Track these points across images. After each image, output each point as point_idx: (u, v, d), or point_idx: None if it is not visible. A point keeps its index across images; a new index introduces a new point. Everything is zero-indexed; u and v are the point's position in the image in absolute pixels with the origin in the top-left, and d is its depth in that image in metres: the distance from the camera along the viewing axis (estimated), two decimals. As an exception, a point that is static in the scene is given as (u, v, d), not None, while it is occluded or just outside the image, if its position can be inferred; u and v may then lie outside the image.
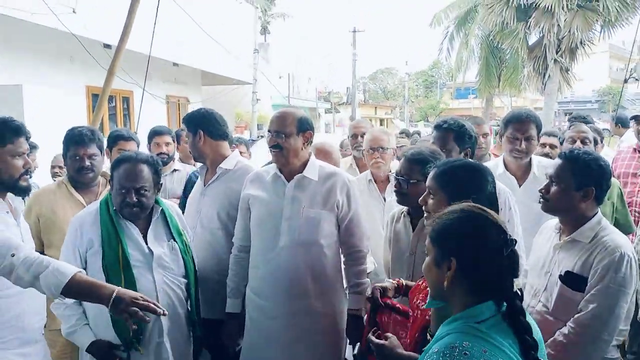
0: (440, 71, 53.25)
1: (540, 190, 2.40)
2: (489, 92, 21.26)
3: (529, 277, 2.50)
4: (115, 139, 3.76)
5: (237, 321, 2.80)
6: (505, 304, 1.43)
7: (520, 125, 3.16)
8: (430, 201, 2.11)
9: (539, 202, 2.40)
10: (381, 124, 41.02)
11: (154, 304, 2.05)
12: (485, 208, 1.52)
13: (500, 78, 20.04)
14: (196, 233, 3.01)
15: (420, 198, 2.19)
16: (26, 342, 2.28)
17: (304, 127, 2.71)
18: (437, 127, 3.03)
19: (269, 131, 2.74)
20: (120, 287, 2.09)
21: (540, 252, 2.46)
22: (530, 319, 1.48)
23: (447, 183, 2.06)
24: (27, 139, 2.35)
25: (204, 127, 3.07)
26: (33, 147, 3.11)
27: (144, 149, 3.88)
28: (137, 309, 1.99)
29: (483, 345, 1.34)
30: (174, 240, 2.60)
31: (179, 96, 14.30)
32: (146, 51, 6.16)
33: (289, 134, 2.67)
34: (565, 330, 2.21)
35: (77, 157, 3.01)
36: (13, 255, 2.05)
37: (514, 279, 1.45)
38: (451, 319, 1.47)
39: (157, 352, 2.49)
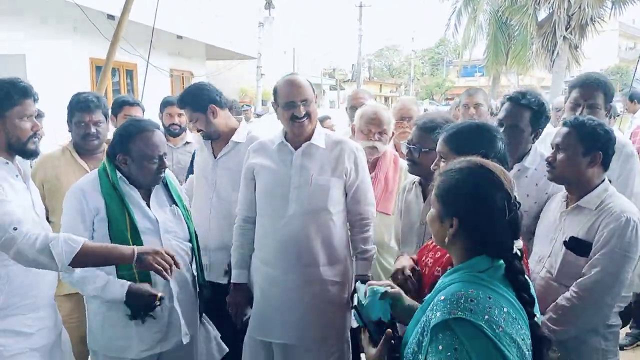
0: (446, 48, 52.78)
1: (546, 159, 2.37)
2: (496, 70, 21.10)
3: (534, 246, 2.48)
4: (121, 104, 3.72)
5: (243, 291, 2.79)
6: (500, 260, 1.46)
7: (584, 91, 2.89)
8: (442, 164, 2.08)
9: (546, 170, 2.38)
10: (386, 102, 40.86)
11: (172, 257, 2.09)
12: (492, 165, 1.51)
13: (508, 55, 19.84)
14: (213, 204, 3.04)
15: (433, 164, 2.17)
16: (39, 307, 2.28)
17: (314, 91, 2.72)
18: (513, 100, 2.62)
19: (291, 102, 2.59)
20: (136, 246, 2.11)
21: (547, 221, 2.45)
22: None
23: (457, 145, 2.03)
24: (35, 101, 2.30)
25: (213, 100, 3.02)
26: (39, 115, 3.05)
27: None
28: (162, 263, 2.04)
29: (488, 293, 1.38)
30: (176, 205, 2.59)
31: (183, 70, 14.20)
32: (149, 22, 6.06)
33: (311, 100, 2.64)
34: (568, 294, 2.21)
35: (83, 124, 3.00)
36: (15, 229, 2.02)
37: (515, 241, 1.46)
38: (452, 270, 1.51)
39: (169, 317, 2.49)
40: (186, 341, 2.54)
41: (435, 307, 1.39)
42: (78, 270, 2.25)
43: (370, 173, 3.00)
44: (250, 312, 2.76)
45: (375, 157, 3.11)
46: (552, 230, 2.38)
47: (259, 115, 14.02)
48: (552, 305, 2.23)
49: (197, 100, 3.04)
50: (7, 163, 2.25)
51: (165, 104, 4.26)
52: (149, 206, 2.49)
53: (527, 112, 2.57)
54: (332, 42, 36.17)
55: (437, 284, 1.53)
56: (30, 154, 2.32)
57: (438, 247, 2.04)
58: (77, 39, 9.48)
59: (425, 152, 2.48)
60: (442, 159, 2.09)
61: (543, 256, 2.38)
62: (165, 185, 2.59)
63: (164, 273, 2.10)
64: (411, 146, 2.54)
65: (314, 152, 2.67)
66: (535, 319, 1.44)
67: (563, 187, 2.48)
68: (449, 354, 1.32)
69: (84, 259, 2.07)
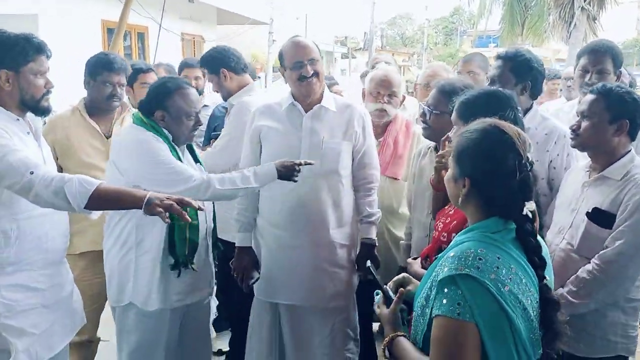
0: (461, 18, 51.98)
1: (570, 127, 2.32)
2: (511, 41, 20.73)
3: (554, 216, 2.43)
4: (135, 73, 3.66)
5: (249, 255, 2.80)
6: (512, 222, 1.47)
7: (592, 57, 2.92)
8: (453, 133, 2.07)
9: (570, 137, 2.33)
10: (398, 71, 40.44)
11: (187, 201, 2.10)
12: (506, 126, 1.51)
13: (524, 26, 19.47)
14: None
15: (447, 135, 2.15)
16: (50, 263, 2.31)
17: (320, 53, 2.72)
18: (498, 56, 2.81)
19: (298, 62, 2.59)
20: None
21: (568, 191, 2.39)
22: (539, 239, 1.51)
23: (467, 113, 1.99)
24: (48, 57, 2.28)
25: (226, 64, 3.08)
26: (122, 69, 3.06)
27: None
28: (171, 202, 2.04)
29: (497, 252, 1.40)
30: (199, 162, 2.68)
31: (194, 34, 14.09)
32: (162, -17, 6.03)
33: (318, 59, 2.63)
34: (589, 267, 2.16)
35: (109, 84, 2.97)
36: (32, 173, 2.04)
37: (527, 202, 1.46)
38: (467, 229, 1.53)
39: (204, 269, 2.64)
40: (212, 294, 2.69)
41: (444, 263, 1.42)
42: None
43: (380, 137, 3.02)
44: (257, 275, 2.78)
45: (384, 120, 3.08)
46: (574, 201, 2.31)
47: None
48: (573, 277, 2.19)
49: (212, 63, 3.14)
50: (18, 119, 2.24)
51: (183, 66, 4.27)
52: None
53: (508, 63, 2.68)
54: (344, 9, 35.63)
55: (451, 243, 1.55)
56: (43, 111, 2.31)
57: (450, 212, 2.06)
58: (89, 1, 9.42)
59: (437, 115, 2.46)
60: (454, 128, 2.08)
61: (563, 227, 2.32)
62: (187, 145, 2.65)
63: (176, 207, 2.06)
64: (425, 107, 2.53)
65: (324, 114, 2.67)
66: (545, 281, 1.45)
67: (562, 143, 2.53)
68: (452, 307, 1.35)
69: (98, 202, 2.08)
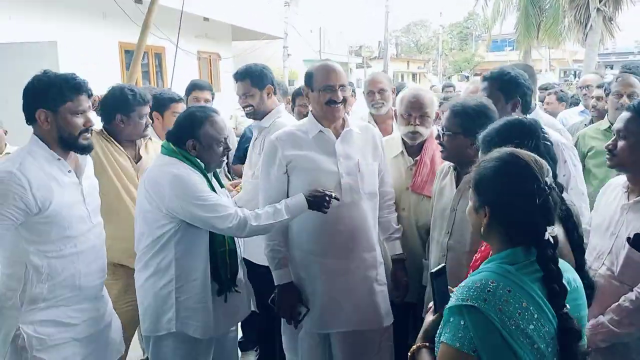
0: (475, 22, 51.66)
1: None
2: (527, 44, 20.59)
3: (591, 238, 2.35)
4: (169, 101, 3.67)
5: (293, 290, 2.69)
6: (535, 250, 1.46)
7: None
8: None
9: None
10: (413, 79, 40.35)
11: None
12: (522, 153, 1.51)
13: (540, 29, 19.31)
14: (254, 185, 3.09)
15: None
16: (83, 299, 2.35)
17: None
18: (484, 78, 2.86)
19: (330, 86, 2.58)
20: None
21: (606, 212, 2.29)
22: (563, 264, 1.49)
23: (487, 148, 1.95)
24: (89, 96, 2.33)
25: (272, 83, 3.13)
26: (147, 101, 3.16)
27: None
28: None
29: (509, 285, 1.38)
30: (223, 187, 2.75)
31: (210, 52, 14.25)
32: (176, 5, 6.10)
33: (347, 86, 2.65)
34: (632, 295, 2.08)
35: (144, 117, 3.07)
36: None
37: (548, 227, 1.45)
38: (488, 260, 1.52)
39: (246, 291, 2.73)
40: (250, 311, 2.77)
41: (456, 291, 1.44)
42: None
43: (414, 156, 3.04)
44: (304, 309, 2.68)
45: (418, 141, 3.03)
46: (613, 224, 2.22)
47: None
48: (615, 306, 2.12)
49: (260, 76, 3.17)
50: (59, 159, 2.29)
51: (192, 87, 4.26)
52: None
53: (495, 83, 2.73)
54: (358, 19, 35.73)
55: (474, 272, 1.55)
56: (83, 149, 2.35)
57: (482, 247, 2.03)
58: (106, 24, 9.60)
59: (449, 136, 2.45)
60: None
61: (602, 252, 2.24)
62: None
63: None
64: (439, 129, 2.52)
65: (351, 138, 2.69)
66: (566, 309, 1.42)
67: (558, 151, 2.49)
68: (453, 337, 1.37)
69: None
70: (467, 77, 34.56)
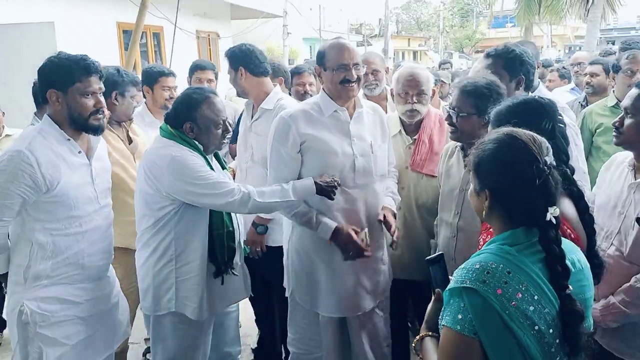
0: (476, -1, 51.16)
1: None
2: (528, 20, 20.40)
3: (597, 217, 2.24)
4: (157, 75, 3.75)
5: (343, 230, 2.53)
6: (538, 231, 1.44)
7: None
8: None
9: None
10: (414, 57, 40.06)
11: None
12: (520, 132, 1.49)
13: (541, 4, 19.11)
14: (249, 167, 3.12)
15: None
16: (87, 278, 2.39)
17: None
18: (487, 54, 2.80)
19: (344, 64, 2.53)
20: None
21: (611, 191, 2.25)
22: (567, 244, 1.48)
23: (499, 125, 1.89)
24: (101, 77, 2.34)
25: (245, 64, 3.09)
26: (136, 83, 3.24)
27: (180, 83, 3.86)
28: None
29: (508, 267, 1.37)
30: (225, 169, 2.73)
31: (209, 31, 14.13)
32: (175, -16, 6.05)
33: (361, 65, 2.60)
34: None
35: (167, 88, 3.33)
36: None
37: (550, 207, 1.43)
38: (489, 242, 1.51)
39: (242, 274, 2.73)
40: (248, 295, 2.78)
41: (456, 274, 1.42)
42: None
43: (413, 135, 3.02)
44: (361, 233, 2.56)
45: (416, 119, 3.01)
46: (620, 203, 2.19)
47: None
48: (626, 286, 2.11)
49: (233, 58, 3.15)
50: (69, 140, 2.31)
51: (195, 68, 4.24)
52: None
53: (499, 61, 2.68)
54: (358, -5, 35.31)
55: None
56: (94, 130, 2.36)
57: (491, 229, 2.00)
58: (104, 4, 9.51)
59: (463, 117, 2.40)
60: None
61: (611, 232, 2.20)
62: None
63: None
64: (450, 110, 2.45)
65: (363, 118, 2.67)
66: (569, 291, 1.40)
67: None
68: (454, 320, 1.36)
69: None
70: (464, 53, 34.31)
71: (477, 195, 1.54)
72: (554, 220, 1.43)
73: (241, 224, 2.71)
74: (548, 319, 1.37)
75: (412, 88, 2.96)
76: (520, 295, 1.34)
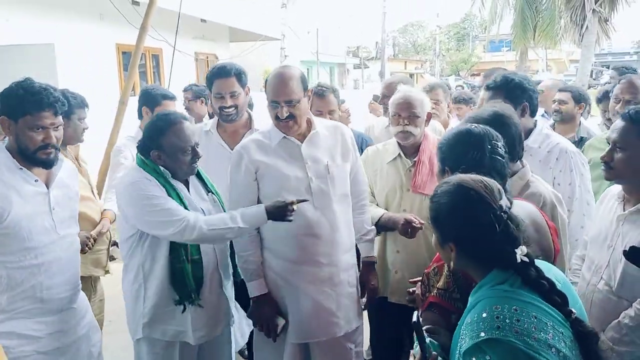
0: (472, 23, 51.78)
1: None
2: (523, 45, 20.67)
3: (589, 250, 2.28)
4: (161, 98, 3.75)
5: (270, 301, 2.61)
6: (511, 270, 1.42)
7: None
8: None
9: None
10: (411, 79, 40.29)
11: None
12: (469, 181, 1.48)
13: (536, 29, 19.38)
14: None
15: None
16: (47, 312, 2.29)
17: (306, 86, 2.60)
18: (487, 87, 2.80)
19: (274, 101, 2.50)
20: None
21: (602, 223, 2.21)
22: (541, 265, 1.45)
23: (444, 158, 1.96)
24: (56, 114, 2.26)
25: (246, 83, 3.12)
26: (80, 105, 3.17)
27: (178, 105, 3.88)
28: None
29: (513, 304, 1.34)
30: (213, 193, 2.65)
31: (207, 53, 14.26)
32: (173, 7, 6.12)
33: (298, 100, 2.51)
34: (631, 312, 1.99)
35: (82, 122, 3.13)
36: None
37: (517, 249, 1.41)
38: (476, 288, 1.48)
39: (219, 303, 2.59)
40: (232, 325, 2.66)
41: (464, 332, 1.38)
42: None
43: (412, 157, 3.03)
44: (282, 321, 2.61)
45: (409, 141, 3.01)
46: (609, 235, 2.13)
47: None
48: (614, 323, 2.03)
49: (244, 75, 3.15)
50: (21, 169, 2.25)
51: (186, 90, 4.28)
52: None
53: (500, 92, 2.66)
54: (355, 20, 35.65)
55: (468, 305, 1.50)
56: (42, 164, 2.29)
57: None
58: (103, 25, 9.61)
59: None
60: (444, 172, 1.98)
61: (600, 265, 2.15)
62: (198, 174, 2.62)
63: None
64: None
65: (318, 140, 2.64)
66: (575, 315, 1.38)
67: (564, 159, 2.48)
68: None
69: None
70: (460, 76, 34.51)
71: (441, 247, 1.52)
72: (526, 259, 1.41)
73: (218, 250, 2.60)
74: (567, 341, 1.34)
75: (403, 110, 2.98)
76: (535, 328, 1.31)
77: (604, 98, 4.20)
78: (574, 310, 1.39)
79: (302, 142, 2.60)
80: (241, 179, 2.58)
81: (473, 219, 1.42)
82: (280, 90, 2.50)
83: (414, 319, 1.60)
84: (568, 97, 4.27)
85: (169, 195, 2.40)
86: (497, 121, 2.11)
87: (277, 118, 2.53)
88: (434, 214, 1.51)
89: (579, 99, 4.25)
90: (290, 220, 2.41)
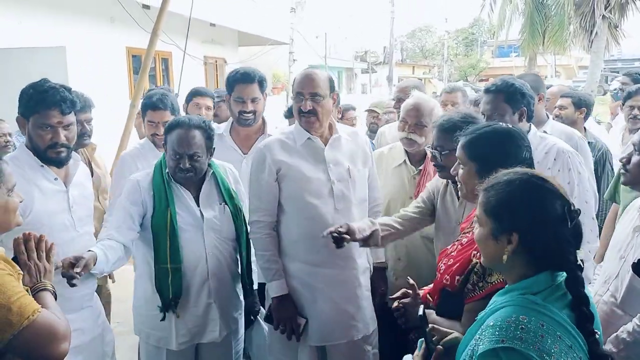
0: (481, 29, 51.63)
1: (620, 160, 2.13)
2: (532, 50, 20.59)
3: (605, 261, 2.21)
4: (192, 95, 3.89)
5: (290, 302, 2.59)
6: (564, 274, 1.38)
7: None
8: (461, 171, 1.99)
9: (621, 173, 2.12)
10: (419, 84, 40.23)
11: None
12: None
13: (545, 35, 19.31)
14: None
15: (452, 168, 2.08)
16: (70, 310, 2.27)
17: (333, 88, 2.65)
18: (486, 90, 2.80)
19: (299, 93, 2.55)
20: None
21: (619, 234, 2.12)
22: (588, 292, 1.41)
23: (475, 153, 1.91)
24: (63, 112, 2.27)
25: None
26: (83, 107, 3.13)
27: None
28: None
29: (541, 319, 1.31)
30: (226, 203, 2.62)
31: (216, 57, 14.32)
32: (183, 11, 6.15)
33: (323, 96, 2.54)
34: (629, 327, 1.91)
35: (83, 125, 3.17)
36: None
37: (577, 250, 1.37)
38: (505, 290, 1.43)
39: (205, 313, 2.57)
40: (220, 338, 2.61)
41: (483, 333, 1.33)
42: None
43: (417, 165, 3.02)
44: (303, 320, 2.60)
45: (413, 149, 2.98)
46: (624, 246, 2.04)
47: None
48: (613, 337, 1.95)
49: (265, 83, 3.19)
50: (42, 166, 2.28)
51: (194, 93, 4.14)
52: (198, 203, 2.55)
53: (500, 96, 2.68)
54: (363, 25, 35.73)
55: (489, 305, 1.45)
56: (53, 162, 2.31)
57: (452, 254, 1.94)
58: (114, 29, 9.68)
59: (446, 155, 2.36)
60: (461, 165, 1.99)
61: (610, 276, 2.06)
62: (217, 183, 2.62)
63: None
64: (432, 150, 2.43)
65: (340, 144, 2.66)
66: (597, 336, 1.35)
67: (562, 159, 2.49)
68: None
69: None
70: (468, 82, 34.45)
71: (494, 240, 1.43)
72: (581, 264, 1.38)
73: (211, 261, 2.56)
74: None
75: (411, 117, 2.94)
76: (557, 348, 1.28)
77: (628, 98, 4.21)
78: (597, 332, 1.36)
79: (325, 145, 2.62)
80: (262, 178, 2.59)
81: (547, 211, 1.36)
82: (306, 82, 2.54)
83: (420, 312, 1.57)
84: (568, 103, 4.34)
85: (156, 198, 2.47)
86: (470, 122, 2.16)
87: (299, 111, 2.55)
88: (497, 201, 1.42)
89: (580, 104, 4.30)
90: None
